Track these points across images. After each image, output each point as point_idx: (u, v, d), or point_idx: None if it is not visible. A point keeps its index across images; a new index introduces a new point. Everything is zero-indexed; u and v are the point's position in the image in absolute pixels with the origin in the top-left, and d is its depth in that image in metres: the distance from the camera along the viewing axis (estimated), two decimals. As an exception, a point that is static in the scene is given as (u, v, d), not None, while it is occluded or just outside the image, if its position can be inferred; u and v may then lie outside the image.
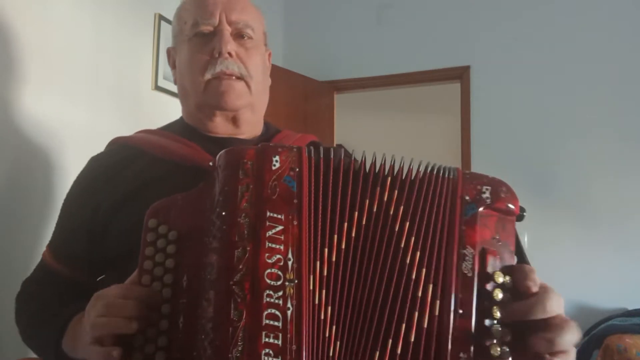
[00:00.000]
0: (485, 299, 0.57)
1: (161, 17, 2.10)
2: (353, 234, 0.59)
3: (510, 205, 0.62)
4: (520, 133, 3.03)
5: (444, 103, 4.05)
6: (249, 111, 0.94)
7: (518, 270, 0.59)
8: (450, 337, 0.56)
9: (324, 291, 0.57)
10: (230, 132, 0.94)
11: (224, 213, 0.58)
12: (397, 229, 0.60)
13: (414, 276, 0.58)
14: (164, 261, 0.61)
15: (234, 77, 0.89)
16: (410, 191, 0.61)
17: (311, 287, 0.56)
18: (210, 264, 0.58)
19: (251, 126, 0.96)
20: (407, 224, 0.60)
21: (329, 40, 3.49)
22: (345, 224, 0.59)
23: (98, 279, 0.89)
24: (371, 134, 4.67)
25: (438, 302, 0.57)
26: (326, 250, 0.58)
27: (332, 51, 3.46)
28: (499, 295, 0.57)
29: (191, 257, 0.61)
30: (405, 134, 4.80)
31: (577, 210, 2.89)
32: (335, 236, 0.59)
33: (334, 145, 1.09)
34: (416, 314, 0.57)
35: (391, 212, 0.60)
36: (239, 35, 0.91)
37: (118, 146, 0.94)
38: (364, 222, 0.60)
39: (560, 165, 2.95)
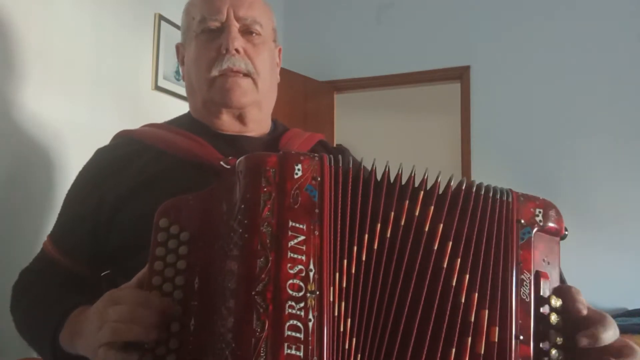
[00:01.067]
0: (541, 322, 0.58)
1: (161, 17, 2.10)
2: (375, 246, 0.59)
3: (558, 227, 0.63)
4: (520, 133, 3.03)
5: (444, 103, 4.05)
6: (256, 109, 0.93)
7: (567, 292, 0.60)
8: None
9: (343, 303, 0.56)
10: (237, 130, 0.93)
11: (246, 221, 0.57)
12: (435, 247, 0.59)
13: (462, 300, 0.57)
14: (176, 262, 0.60)
15: (240, 74, 0.88)
16: (451, 209, 0.60)
17: (331, 299, 0.55)
18: (230, 271, 0.57)
19: (258, 124, 0.95)
20: (450, 243, 0.59)
21: (329, 40, 3.48)
22: (366, 235, 0.58)
23: (102, 274, 0.88)
24: (371, 134, 4.67)
25: (497, 328, 0.56)
26: (345, 261, 0.57)
27: (332, 51, 3.46)
28: (553, 318, 0.58)
29: (203, 259, 0.60)
30: (405, 134, 4.80)
31: (577, 210, 2.89)
32: (355, 247, 0.58)
33: (334, 146, 1.07)
34: (469, 339, 0.56)
35: (426, 229, 0.59)
36: (246, 32, 0.90)
37: (124, 139, 0.93)
38: (388, 235, 0.59)
39: (560, 165, 2.95)
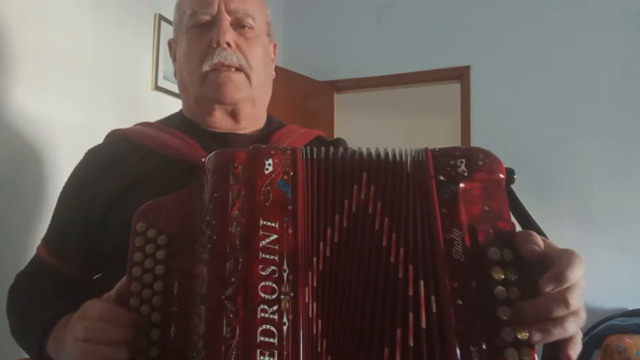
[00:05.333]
0: (486, 280, 0.51)
1: (161, 17, 2.10)
2: (336, 239, 0.55)
3: (495, 171, 0.56)
4: (520, 133, 3.03)
5: (444, 103, 4.05)
6: (249, 105, 0.90)
7: (517, 237, 0.53)
8: (454, 332, 0.50)
9: (315, 303, 0.52)
10: (229, 127, 0.91)
11: (214, 222, 0.54)
12: (377, 228, 0.55)
13: (401, 275, 0.53)
14: (154, 267, 0.58)
15: (233, 69, 0.85)
16: (384, 184, 0.57)
17: (307, 300, 0.52)
18: (200, 276, 0.54)
19: (251, 120, 0.93)
20: (387, 220, 0.55)
21: (329, 40, 3.48)
22: (329, 229, 0.55)
23: (95, 277, 0.87)
24: (371, 134, 4.66)
25: (433, 297, 0.51)
26: (315, 259, 0.54)
27: (332, 51, 3.46)
28: (500, 273, 0.51)
29: (182, 263, 0.58)
30: (405, 134, 4.79)
31: (578, 210, 2.89)
32: (321, 243, 0.54)
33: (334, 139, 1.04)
34: (411, 315, 0.51)
35: (369, 211, 0.56)
36: (238, 25, 0.87)
37: (114, 138, 0.92)
38: (344, 225, 0.55)
39: (560, 166, 2.95)
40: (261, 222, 0.53)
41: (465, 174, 0.56)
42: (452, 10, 3.23)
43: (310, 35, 3.50)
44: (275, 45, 0.99)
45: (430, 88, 3.65)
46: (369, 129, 4.74)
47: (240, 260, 0.52)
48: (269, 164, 0.56)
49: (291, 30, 3.48)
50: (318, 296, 0.53)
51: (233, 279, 0.52)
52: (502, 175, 0.56)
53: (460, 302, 0.51)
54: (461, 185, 0.56)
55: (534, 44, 3.04)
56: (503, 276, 0.51)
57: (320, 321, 0.52)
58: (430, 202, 0.55)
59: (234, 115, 0.90)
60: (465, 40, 3.18)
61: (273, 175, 0.56)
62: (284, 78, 2.96)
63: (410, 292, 0.52)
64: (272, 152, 0.57)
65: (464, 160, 0.57)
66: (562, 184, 2.93)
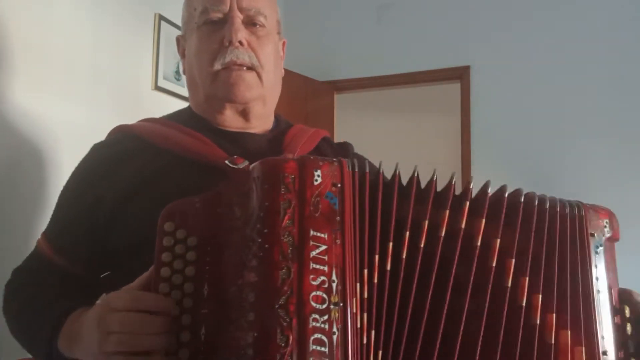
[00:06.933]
0: (619, 334, 0.59)
1: (161, 17, 2.10)
2: (404, 256, 0.57)
3: (617, 234, 0.64)
4: (520, 133, 3.03)
5: (444, 103, 4.05)
6: (260, 104, 0.90)
7: (630, 298, 0.61)
8: None
9: (365, 314, 0.54)
10: (240, 126, 0.90)
11: (265, 230, 0.55)
12: (493, 265, 0.57)
13: (537, 321, 0.56)
14: (184, 269, 0.58)
15: (244, 68, 0.85)
16: (510, 223, 0.59)
17: (355, 310, 0.54)
18: (249, 283, 0.55)
19: (262, 119, 0.93)
20: (512, 261, 0.57)
21: (329, 40, 3.48)
22: (390, 243, 0.57)
23: (102, 275, 0.86)
24: (371, 134, 4.65)
25: (582, 348, 0.56)
26: (366, 271, 0.56)
27: (332, 51, 3.46)
28: (629, 328, 0.59)
29: (212, 266, 0.58)
30: (405, 134, 4.79)
31: (577, 210, 2.89)
32: (377, 256, 0.56)
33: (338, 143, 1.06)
34: None
35: (477, 244, 0.58)
36: (250, 23, 0.87)
37: (120, 135, 0.90)
38: (421, 245, 0.57)
39: (560, 166, 2.95)
40: (311, 232, 0.54)
41: (609, 234, 0.63)
42: (452, 10, 3.23)
43: (310, 35, 3.49)
44: (284, 43, 0.99)
45: (430, 88, 3.65)
46: (369, 129, 4.74)
47: (293, 269, 0.53)
48: (318, 175, 0.57)
49: (291, 30, 3.46)
50: (370, 308, 0.55)
51: (285, 288, 0.52)
52: (619, 237, 0.64)
53: (607, 354, 0.58)
54: (604, 243, 0.61)
55: (534, 44, 3.04)
56: (631, 332, 0.59)
57: (373, 332, 0.55)
58: (585, 257, 0.60)
59: (244, 114, 0.90)
60: (465, 40, 3.18)
61: (322, 187, 0.56)
62: (284, 78, 2.95)
63: (551, 340, 0.56)
64: (321, 163, 0.58)
65: (608, 221, 0.64)
66: (563, 184, 2.92)
